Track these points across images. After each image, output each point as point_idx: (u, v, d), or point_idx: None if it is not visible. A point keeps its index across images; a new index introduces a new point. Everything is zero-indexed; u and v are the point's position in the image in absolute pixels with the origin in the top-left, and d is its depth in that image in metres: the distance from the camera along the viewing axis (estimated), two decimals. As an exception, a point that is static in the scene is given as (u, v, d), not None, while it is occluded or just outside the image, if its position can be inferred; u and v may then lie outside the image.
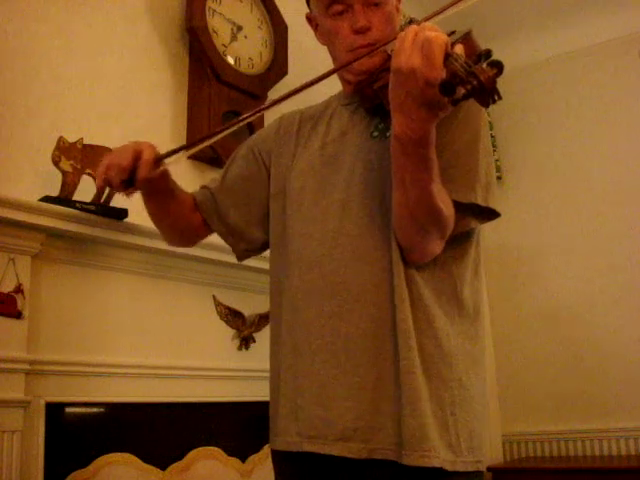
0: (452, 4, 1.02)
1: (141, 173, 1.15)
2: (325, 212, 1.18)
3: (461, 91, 0.86)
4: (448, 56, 0.90)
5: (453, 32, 0.96)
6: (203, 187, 1.38)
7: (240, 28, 2.47)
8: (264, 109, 1.20)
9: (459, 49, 0.92)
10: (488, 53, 0.88)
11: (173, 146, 2.38)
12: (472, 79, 0.84)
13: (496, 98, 0.85)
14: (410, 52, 0.93)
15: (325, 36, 1.24)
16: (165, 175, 1.24)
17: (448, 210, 1.06)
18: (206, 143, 1.24)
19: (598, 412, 3.45)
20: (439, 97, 0.91)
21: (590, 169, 3.73)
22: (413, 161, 1.00)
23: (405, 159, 1.00)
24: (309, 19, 1.30)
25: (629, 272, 3.52)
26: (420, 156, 0.99)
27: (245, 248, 1.36)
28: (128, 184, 1.17)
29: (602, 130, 3.74)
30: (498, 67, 0.84)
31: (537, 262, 3.79)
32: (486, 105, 0.87)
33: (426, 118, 0.96)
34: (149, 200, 1.30)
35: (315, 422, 1.10)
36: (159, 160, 1.18)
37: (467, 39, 0.95)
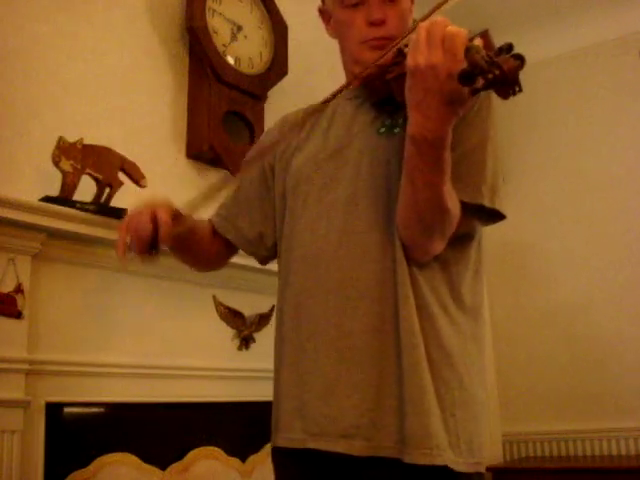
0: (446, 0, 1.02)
1: (163, 238, 1.14)
2: (330, 208, 1.17)
3: (481, 81, 0.84)
4: (469, 48, 0.89)
5: (469, 31, 0.95)
6: (219, 207, 1.38)
7: (240, 28, 2.47)
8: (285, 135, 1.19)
9: (478, 42, 0.91)
10: (510, 47, 0.86)
11: (173, 146, 2.40)
12: (494, 69, 0.83)
13: (517, 90, 0.83)
14: (428, 49, 0.92)
15: (337, 28, 1.24)
16: (185, 225, 1.23)
17: (455, 211, 1.05)
18: (221, 189, 1.24)
19: (598, 412, 3.45)
20: (459, 90, 0.90)
21: (591, 168, 3.73)
22: (427, 162, 0.98)
23: (419, 160, 0.99)
24: (321, 12, 1.30)
25: (629, 272, 3.52)
26: (435, 157, 0.98)
27: (266, 255, 1.36)
28: (151, 248, 1.15)
29: (602, 129, 3.74)
30: (521, 59, 0.83)
31: (537, 262, 3.79)
32: (505, 97, 0.85)
33: (445, 117, 0.94)
34: (173, 249, 1.30)
35: (319, 419, 1.09)
36: (177, 216, 1.17)
37: (485, 36, 0.94)
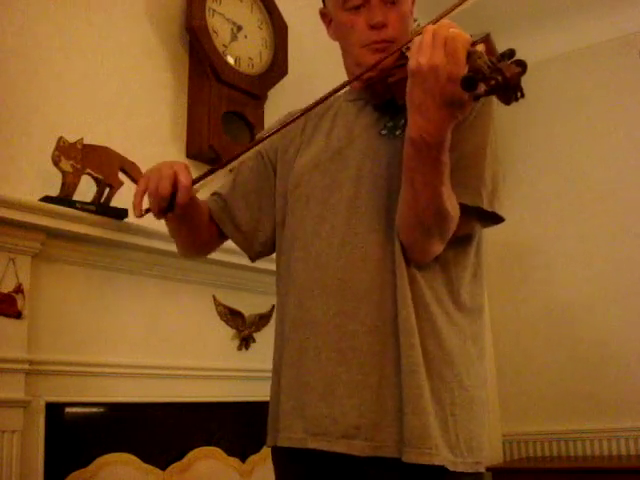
0: (456, 5, 1.02)
1: (180, 200, 1.12)
2: (333, 210, 1.17)
3: (483, 87, 0.85)
4: (471, 53, 0.90)
5: (470, 36, 0.96)
6: (214, 194, 1.36)
7: (240, 28, 2.47)
8: (288, 124, 1.19)
9: (481, 47, 0.92)
10: (512, 52, 0.88)
11: (173, 146, 2.40)
12: (497, 75, 0.84)
13: (519, 95, 0.84)
14: (431, 50, 0.93)
15: (339, 31, 1.24)
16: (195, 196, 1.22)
17: (455, 213, 1.06)
18: (235, 161, 1.21)
19: (598, 412, 3.45)
20: (460, 94, 0.91)
21: (590, 169, 3.73)
22: (426, 164, 0.99)
23: (418, 162, 1.00)
24: (323, 14, 1.30)
25: (630, 272, 3.51)
26: (433, 160, 0.99)
27: (259, 250, 1.35)
28: (166, 210, 1.15)
29: (602, 130, 3.74)
30: (522, 66, 0.84)
31: (537, 262, 3.79)
32: (507, 102, 0.86)
33: (445, 119, 0.95)
34: (177, 219, 1.25)
35: (320, 419, 1.10)
36: (194, 183, 1.16)
37: (487, 41, 0.95)
